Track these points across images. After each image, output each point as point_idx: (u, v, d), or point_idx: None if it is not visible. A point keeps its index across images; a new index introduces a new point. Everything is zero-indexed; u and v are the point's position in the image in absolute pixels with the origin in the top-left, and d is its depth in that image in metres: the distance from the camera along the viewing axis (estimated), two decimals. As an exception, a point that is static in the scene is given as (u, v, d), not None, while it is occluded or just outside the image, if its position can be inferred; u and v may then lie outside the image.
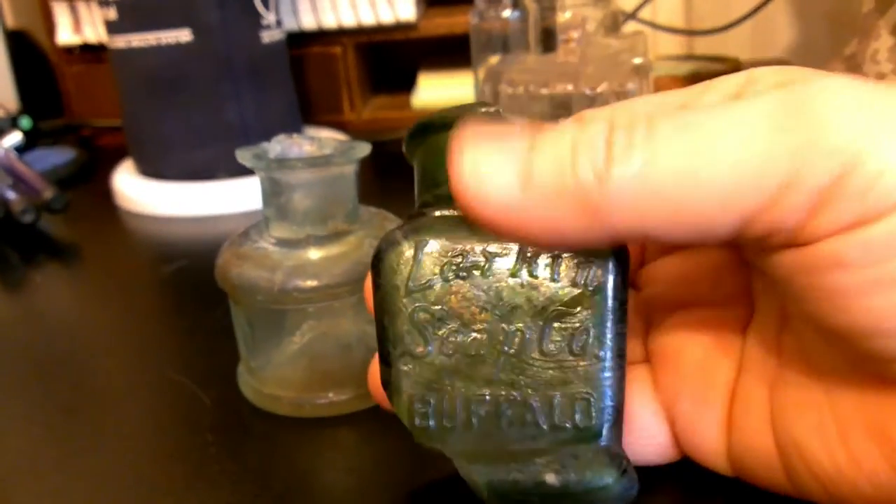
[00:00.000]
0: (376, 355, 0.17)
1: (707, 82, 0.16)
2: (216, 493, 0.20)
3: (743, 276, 0.18)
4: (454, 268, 0.16)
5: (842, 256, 0.13)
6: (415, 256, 0.16)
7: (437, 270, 0.16)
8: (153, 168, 0.47)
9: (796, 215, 0.13)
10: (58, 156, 0.56)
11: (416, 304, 0.16)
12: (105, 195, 0.49)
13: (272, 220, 0.23)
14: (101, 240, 0.43)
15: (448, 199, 0.16)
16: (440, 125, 0.17)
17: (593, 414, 0.16)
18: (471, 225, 0.15)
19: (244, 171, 0.45)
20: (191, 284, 0.35)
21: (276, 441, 0.22)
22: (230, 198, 0.44)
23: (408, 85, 0.63)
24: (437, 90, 0.60)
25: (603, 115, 0.14)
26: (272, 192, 0.23)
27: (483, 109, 0.16)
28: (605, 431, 0.16)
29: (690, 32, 0.62)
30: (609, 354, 0.16)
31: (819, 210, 0.13)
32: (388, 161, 0.47)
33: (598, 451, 0.16)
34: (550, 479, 0.15)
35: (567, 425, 0.16)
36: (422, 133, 0.17)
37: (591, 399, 0.16)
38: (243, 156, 0.22)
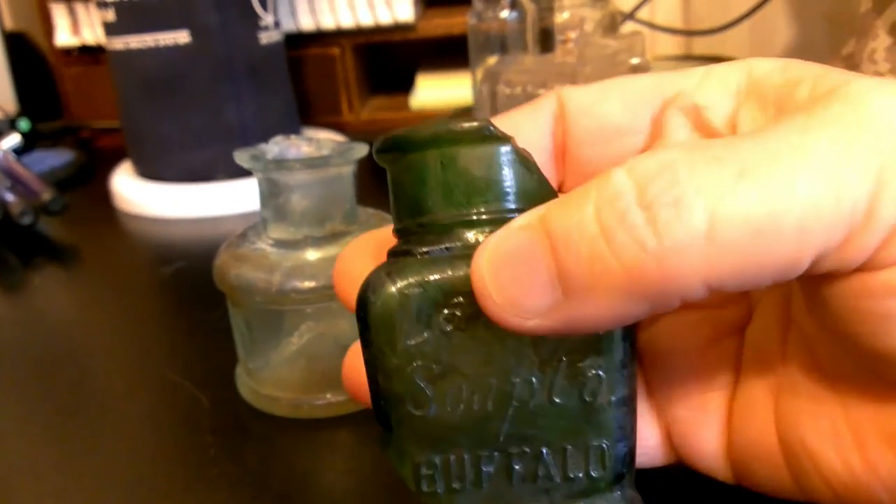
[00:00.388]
0: (351, 350, 0.16)
1: (695, 73, 0.15)
2: (215, 494, 0.20)
3: None
4: (451, 318, 0.14)
5: None
6: (406, 307, 0.14)
7: (432, 322, 0.14)
8: (152, 169, 0.47)
9: (869, 247, 0.12)
10: (56, 158, 0.56)
11: (413, 364, 0.14)
12: (103, 197, 0.49)
13: (270, 222, 0.23)
14: (100, 241, 0.43)
15: (435, 230, 0.15)
16: (419, 143, 0.15)
17: (607, 463, 0.15)
18: (466, 262, 0.14)
19: (243, 173, 0.45)
20: (189, 286, 0.35)
21: (275, 442, 0.22)
22: (229, 199, 0.44)
23: (406, 86, 0.63)
24: (435, 91, 0.61)
25: (618, 170, 0.12)
26: (270, 193, 0.23)
27: (465, 124, 0.14)
28: (619, 479, 0.15)
29: (688, 33, 0.62)
30: (621, 399, 0.15)
31: (892, 240, 0.12)
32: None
33: (614, 500, 0.15)
34: None
35: (580, 476, 0.15)
36: (398, 148, 0.15)
37: (605, 447, 0.15)
38: (241, 157, 0.22)
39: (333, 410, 0.23)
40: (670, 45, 0.68)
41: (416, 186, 0.15)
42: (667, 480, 0.18)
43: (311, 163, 0.22)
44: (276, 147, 0.23)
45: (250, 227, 0.24)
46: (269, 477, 0.21)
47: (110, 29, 0.45)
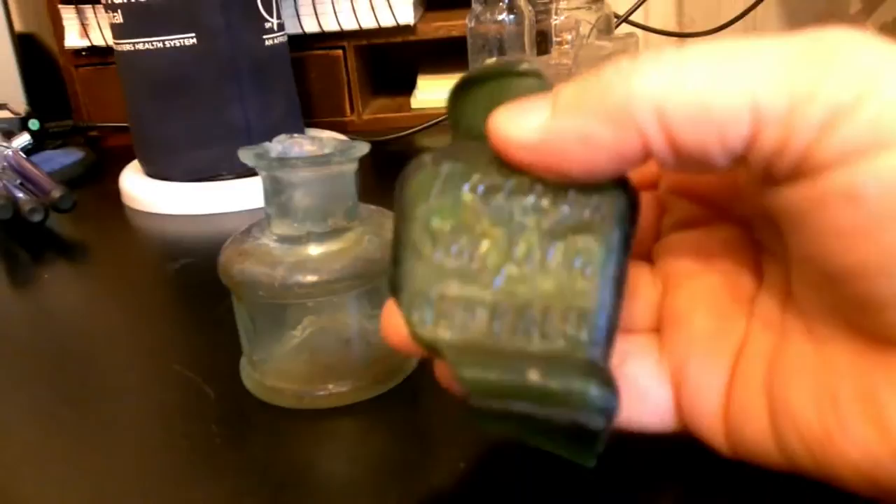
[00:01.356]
0: (389, 305, 0.17)
1: None
2: (220, 483, 0.20)
3: (754, 254, 0.18)
4: (472, 186, 0.17)
5: (855, 189, 0.13)
6: (437, 173, 0.17)
7: (455, 186, 0.17)
8: (159, 168, 0.48)
9: (809, 130, 0.13)
10: (66, 157, 0.56)
11: (431, 211, 0.17)
12: (112, 195, 0.49)
13: (274, 218, 0.24)
14: (109, 238, 0.44)
15: (480, 139, 0.17)
16: (481, 78, 0.17)
17: (584, 328, 0.16)
18: (495, 155, 0.16)
19: (247, 171, 0.46)
20: (195, 281, 0.35)
21: (279, 432, 0.23)
22: (234, 197, 0.45)
23: (407, 87, 0.64)
24: (435, 91, 0.61)
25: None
26: (274, 191, 0.23)
27: (524, 66, 0.17)
28: (594, 346, 0.16)
29: (682, 35, 0.63)
30: (609, 278, 0.16)
31: (830, 129, 0.13)
32: (388, 161, 0.48)
33: (585, 362, 0.16)
34: (534, 377, 0.15)
35: (558, 336, 0.16)
36: (463, 88, 0.18)
37: (584, 314, 0.16)
38: (245, 155, 0.22)
39: (335, 401, 0.24)
40: (665, 47, 0.68)
41: (470, 114, 0.18)
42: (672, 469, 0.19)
43: (313, 161, 0.22)
44: (279, 145, 0.23)
45: (254, 223, 0.25)
46: (273, 465, 0.21)
47: (118, 31, 0.45)
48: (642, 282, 0.19)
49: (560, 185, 0.16)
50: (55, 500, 0.21)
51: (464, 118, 0.18)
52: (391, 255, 0.17)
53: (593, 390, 0.15)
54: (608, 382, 0.16)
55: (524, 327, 0.16)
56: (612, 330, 0.16)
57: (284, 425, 0.23)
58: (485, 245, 0.17)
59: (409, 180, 0.17)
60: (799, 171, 0.14)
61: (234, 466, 0.21)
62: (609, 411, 0.15)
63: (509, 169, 0.16)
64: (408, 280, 0.17)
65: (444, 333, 0.16)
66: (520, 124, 0.16)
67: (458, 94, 0.18)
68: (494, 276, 0.16)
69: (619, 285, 0.16)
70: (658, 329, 0.19)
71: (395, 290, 0.17)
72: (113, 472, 0.22)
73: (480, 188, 0.17)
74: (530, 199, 0.16)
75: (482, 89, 0.17)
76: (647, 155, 0.15)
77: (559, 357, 0.16)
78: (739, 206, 0.18)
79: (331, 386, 0.24)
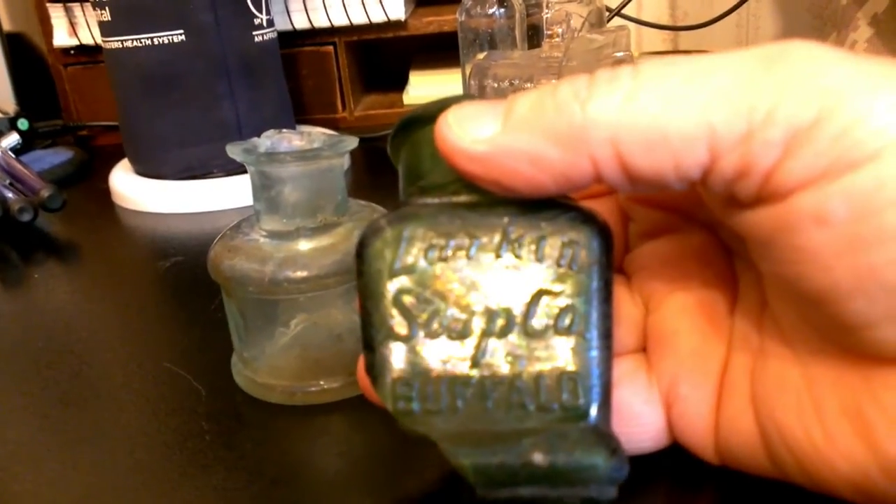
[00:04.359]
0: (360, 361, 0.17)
1: None
2: (211, 480, 0.20)
3: (727, 259, 0.18)
4: (438, 251, 0.16)
5: (822, 211, 0.12)
6: (398, 241, 0.16)
7: (420, 254, 0.16)
8: (149, 166, 0.48)
9: (770, 153, 0.13)
10: (55, 156, 0.56)
11: (400, 286, 0.16)
12: (102, 194, 0.49)
13: (263, 213, 0.24)
14: (99, 237, 0.44)
15: (432, 189, 0.16)
16: (422, 119, 0.17)
17: (580, 393, 0.15)
18: (454, 209, 0.15)
19: (238, 169, 0.46)
20: (186, 279, 0.35)
21: (270, 428, 0.23)
22: (225, 194, 0.45)
23: (399, 83, 0.64)
24: (427, 87, 0.61)
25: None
26: (262, 186, 0.23)
27: (467, 101, 0.16)
28: (593, 411, 0.15)
29: (675, 28, 0.63)
30: (595, 334, 0.15)
31: (793, 150, 0.12)
32: (378, 157, 0.48)
33: (587, 431, 0.15)
34: (538, 458, 0.15)
35: (554, 406, 0.15)
36: (405, 129, 0.17)
37: (578, 378, 0.15)
38: (233, 150, 0.22)
39: (327, 397, 0.24)
40: (657, 40, 0.68)
41: (420, 157, 0.17)
42: (661, 465, 0.18)
43: (302, 155, 0.22)
44: (268, 140, 0.23)
45: (244, 219, 0.25)
46: (264, 462, 0.21)
47: (106, 28, 0.45)
48: (623, 302, 0.19)
49: (528, 224, 0.15)
50: (46, 498, 0.21)
51: (411, 164, 0.17)
52: (363, 336, 0.16)
53: (601, 463, 0.15)
54: (614, 449, 0.15)
55: (518, 400, 0.15)
56: (607, 386, 0.16)
57: (276, 422, 0.23)
58: (462, 316, 0.16)
59: (369, 249, 0.16)
60: (763, 195, 0.13)
61: (225, 463, 0.21)
62: (619, 479, 0.15)
63: (472, 222, 0.16)
64: (386, 367, 0.16)
65: (434, 421, 0.15)
66: (469, 132, 0.15)
67: (399, 139, 0.17)
68: (478, 350, 0.15)
69: (607, 337, 0.16)
70: (644, 348, 0.19)
71: (373, 376, 0.16)
72: (104, 470, 0.22)
73: (448, 251, 0.16)
74: (503, 257, 0.15)
75: (425, 131, 0.16)
76: (596, 179, 0.14)
77: (559, 428, 0.15)
78: (703, 213, 0.18)
79: (322, 382, 0.24)
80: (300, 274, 0.22)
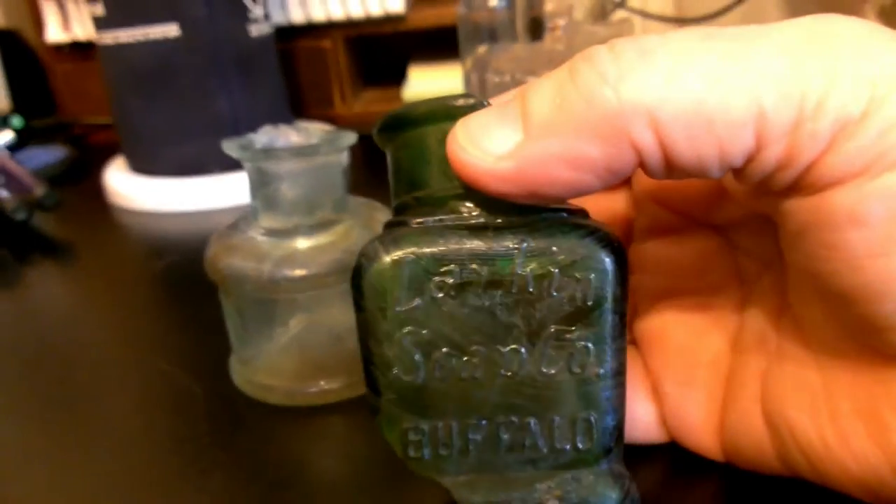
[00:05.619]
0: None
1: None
2: (209, 482, 0.20)
3: (730, 260, 0.18)
4: (442, 286, 0.14)
5: (859, 210, 0.12)
6: (398, 274, 0.14)
7: (423, 290, 0.14)
8: (144, 163, 0.47)
9: (816, 145, 0.12)
10: (49, 154, 0.56)
11: (404, 330, 0.14)
12: (97, 192, 0.49)
13: (260, 211, 0.23)
14: (94, 236, 0.43)
15: (430, 203, 0.15)
16: (417, 119, 0.15)
17: (595, 435, 0.15)
18: (458, 233, 0.14)
19: (234, 166, 0.45)
20: (183, 279, 0.35)
21: (269, 430, 0.22)
22: (221, 192, 0.44)
23: (398, 77, 0.63)
24: (427, 82, 0.60)
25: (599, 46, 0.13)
26: (259, 183, 0.23)
27: (461, 101, 0.15)
28: (606, 452, 0.15)
29: (680, 20, 0.62)
30: (609, 372, 0.15)
31: (838, 143, 0.12)
32: (377, 153, 0.47)
33: (601, 473, 0.15)
34: None
35: (567, 448, 0.15)
36: (396, 126, 0.16)
37: (592, 420, 0.15)
38: (230, 147, 0.22)
39: (326, 398, 0.23)
40: (662, 32, 0.67)
41: (413, 162, 0.15)
42: (659, 458, 0.19)
43: (299, 151, 0.22)
44: (264, 136, 0.23)
45: (241, 216, 0.24)
46: (263, 463, 0.21)
47: (99, 23, 0.45)
48: None
49: (540, 251, 0.14)
50: (41, 501, 0.20)
51: (403, 168, 0.16)
52: (365, 376, 0.15)
53: None
54: (627, 490, 0.15)
55: (531, 443, 0.15)
56: (620, 428, 0.15)
57: (275, 423, 0.23)
58: (471, 357, 0.15)
59: (367, 282, 0.14)
60: (800, 185, 0.13)
61: (223, 465, 0.21)
62: None
63: (479, 248, 0.14)
64: (394, 412, 0.15)
65: (445, 466, 0.15)
66: (487, 150, 0.13)
67: (388, 134, 0.16)
68: (489, 393, 0.15)
69: (621, 374, 0.15)
70: (635, 342, 0.19)
71: (379, 421, 0.15)
72: (100, 471, 0.21)
73: (452, 286, 0.14)
74: (513, 291, 0.14)
75: (422, 133, 0.15)
76: (637, 168, 0.13)
77: (572, 470, 0.15)
78: (717, 215, 0.18)
79: (322, 382, 0.23)
80: (299, 272, 0.22)
